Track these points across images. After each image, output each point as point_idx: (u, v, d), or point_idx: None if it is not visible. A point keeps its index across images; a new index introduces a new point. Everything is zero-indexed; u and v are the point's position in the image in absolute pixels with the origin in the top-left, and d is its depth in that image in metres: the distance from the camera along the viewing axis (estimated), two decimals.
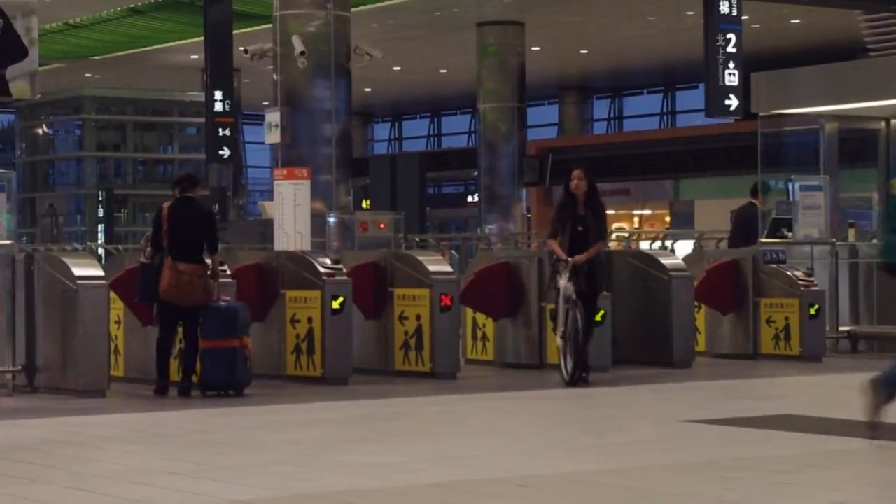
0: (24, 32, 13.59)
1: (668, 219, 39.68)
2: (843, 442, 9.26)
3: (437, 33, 35.12)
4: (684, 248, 18.69)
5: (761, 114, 18.89)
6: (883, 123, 18.84)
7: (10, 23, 13.53)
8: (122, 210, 47.29)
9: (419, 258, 14.49)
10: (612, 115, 49.02)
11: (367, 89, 43.06)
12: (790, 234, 17.59)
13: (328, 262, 13.89)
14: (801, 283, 16.00)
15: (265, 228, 22.76)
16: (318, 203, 17.82)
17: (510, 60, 33.12)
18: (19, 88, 13.78)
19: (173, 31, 34.43)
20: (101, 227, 43.92)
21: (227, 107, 23.27)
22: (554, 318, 13.44)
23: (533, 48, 34.74)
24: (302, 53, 17.85)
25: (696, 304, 15.84)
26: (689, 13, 29.99)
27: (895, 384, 8.99)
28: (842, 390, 13.24)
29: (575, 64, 41.84)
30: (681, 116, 46.61)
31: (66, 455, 9.05)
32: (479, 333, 15.69)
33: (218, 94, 23.16)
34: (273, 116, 18.27)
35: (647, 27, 34.23)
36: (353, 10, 19.06)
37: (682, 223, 37.61)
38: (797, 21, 33.03)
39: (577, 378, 13.06)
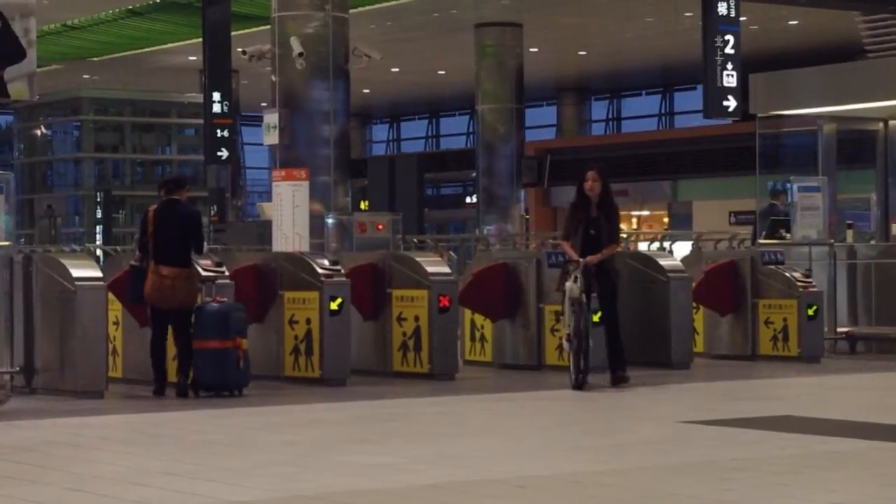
0: (22, 34, 13.58)
1: (666, 220, 39.67)
2: (841, 443, 9.26)
3: (435, 34, 35.12)
4: (683, 249, 18.68)
5: (760, 115, 18.90)
6: (881, 124, 18.85)
7: (9, 24, 13.52)
8: (121, 211, 47.27)
9: (417, 259, 14.50)
10: (610, 116, 49.02)
11: (366, 90, 43.05)
12: (788, 236, 17.60)
13: (326, 263, 13.89)
14: (799, 284, 16.01)
15: (263, 229, 22.79)
16: (316, 204, 17.82)
17: (508, 62, 33.13)
18: (17, 90, 13.77)
19: (172, 33, 34.42)
20: (99, 228, 43.90)
21: (225, 108, 23.24)
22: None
23: (531, 49, 34.74)
24: (300, 55, 17.85)
25: (694, 305, 15.84)
26: (688, 14, 30.01)
27: None
28: (840, 391, 13.27)
29: (573, 65, 41.85)
30: (679, 117, 46.61)
31: (65, 456, 9.05)
32: (478, 334, 15.70)
33: (216, 96, 23.14)
34: (271, 118, 18.27)
35: (645, 28, 34.23)
36: (351, 11, 19.06)
37: (680, 224, 37.60)
38: (795, 22, 33.04)
39: (622, 379, 13.01)
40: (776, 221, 18.33)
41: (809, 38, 34.45)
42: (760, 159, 18.98)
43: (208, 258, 13.40)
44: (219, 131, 23.26)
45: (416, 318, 14.16)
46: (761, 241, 17.92)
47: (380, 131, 57.33)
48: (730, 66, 19.19)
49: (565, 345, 13.00)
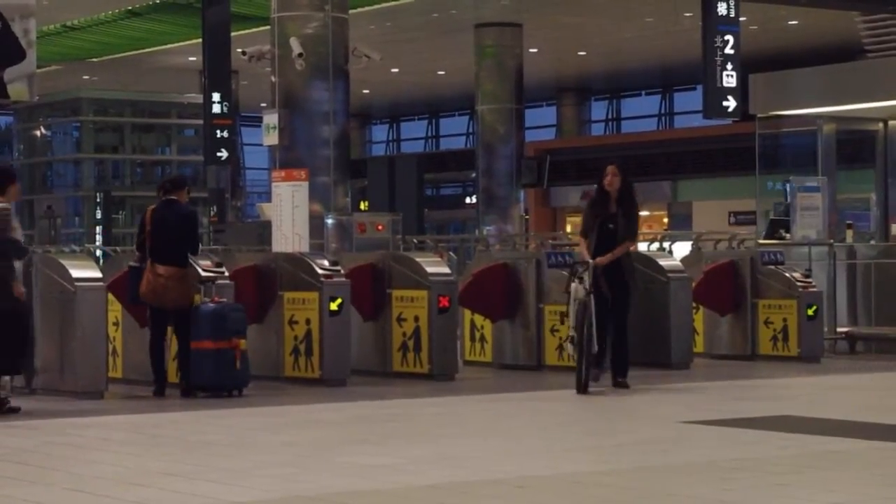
0: (22, 34, 13.61)
1: (665, 220, 39.67)
2: (841, 443, 9.26)
3: (435, 35, 35.12)
4: (682, 249, 18.68)
5: (759, 115, 18.92)
6: (881, 124, 18.87)
7: (8, 25, 13.54)
8: (120, 212, 47.26)
9: (417, 260, 14.50)
10: (610, 116, 49.02)
11: (365, 91, 43.05)
12: (788, 236, 17.61)
13: (326, 263, 13.89)
14: (799, 284, 16.01)
15: (263, 230, 22.74)
16: (316, 205, 17.82)
17: (508, 62, 33.12)
18: (17, 90, 13.80)
19: (171, 33, 34.42)
20: (98, 228, 43.91)
21: (225, 109, 23.24)
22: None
23: (531, 50, 34.74)
24: (300, 55, 17.84)
25: (694, 305, 15.85)
26: (687, 14, 30.01)
27: None
28: (840, 391, 13.27)
29: (573, 65, 41.84)
30: (679, 118, 46.61)
31: (65, 457, 9.05)
32: (478, 335, 15.70)
33: (216, 96, 23.14)
34: (271, 118, 18.26)
35: (644, 28, 34.23)
36: (351, 11, 19.05)
37: (680, 224, 37.61)
38: (795, 22, 33.04)
39: (621, 384, 12.74)
40: (776, 221, 18.35)
41: (809, 38, 34.46)
42: (760, 159, 18.99)
43: (208, 258, 13.40)
44: (218, 132, 23.26)
45: (416, 319, 14.17)
46: (760, 241, 17.93)
47: (379, 132, 57.33)
48: (729, 66, 19.19)
49: (567, 346, 12.77)
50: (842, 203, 19.38)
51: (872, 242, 18.63)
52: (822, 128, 18.60)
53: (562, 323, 13.27)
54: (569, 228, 40.00)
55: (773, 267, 16.24)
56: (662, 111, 47.09)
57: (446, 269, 14.79)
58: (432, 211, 42.23)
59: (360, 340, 14.47)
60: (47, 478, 8.13)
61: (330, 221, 17.93)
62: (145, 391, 12.83)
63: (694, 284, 15.75)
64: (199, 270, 12.93)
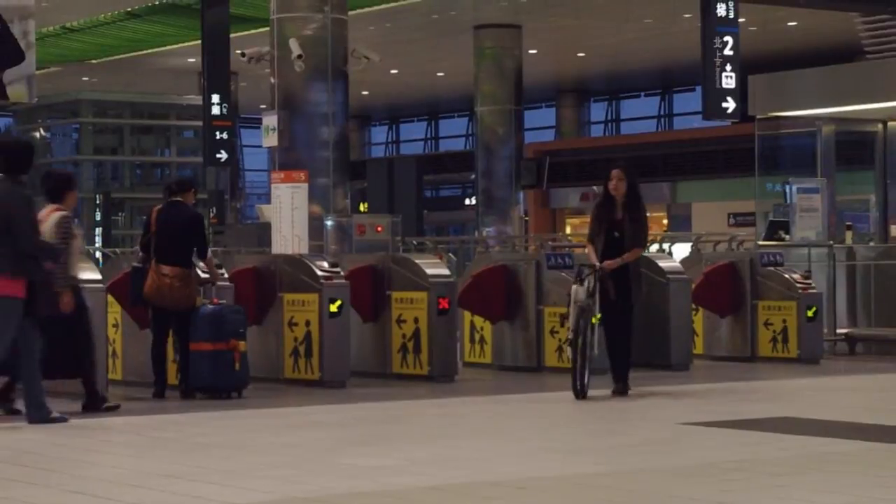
0: (21, 36, 13.61)
1: (665, 221, 39.68)
2: (841, 444, 9.26)
3: (434, 36, 35.12)
4: (682, 250, 18.69)
5: (759, 116, 18.93)
6: (880, 126, 18.88)
7: (8, 26, 13.54)
8: (120, 213, 47.26)
9: (417, 261, 14.51)
10: (609, 117, 49.03)
11: (365, 92, 43.05)
12: (788, 237, 17.61)
13: (326, 265, 13.90)
14: (798, 285, 16.02)
15: (263, 232, 22.73)
16: (315, 206, 17.80)
17: (507, 63, 33.13)
18: (16, 92, 13.80)
19: (170, 35, 34.42)
20: (98, 230, 43.91)
21: (224, 110, 23.24)
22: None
23: (530, 51, 34.74)
24: (299, 57, 17.84)
25: (693, 306, 15.86)
26: (686, 16, 30.02)
27: None
28: (839, 392, 13.27)
29: (572, 67, 41.86)
30: (678, 119, 46.62)
31: (65, 458, 9.05)
32: (477, 336, 15.70)
33: (215, 98, 23.13)
34: (270, 120, 18.26)
35: (644, 30, 34.23)
36: (350, 13, 19.05)
37: (679, 226, 37.62)
38: (794, 24, 33.04)
39: (617, 390, 12.42)
40: (775, 223, 18.35)
41: (808, 39, 34.46)
42: (759, 161, 19.00)
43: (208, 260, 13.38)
44: (218, 133, 23.26)
45: (416, 320, 14.17)
46: (760, 242, 17.93)
47: (379, 133, 57.35)
48: (729, 67, 19.18)
49: (569, 352, 12.38)
50: (841, 204, 19.39)
51: (872, 244, 18.64)
52: (822, 129, 18.61)
53: (561, 325, 13.14)
54: (568, 230, 40.03)
55: (772, 268, 16.25)
56: (662, 112, 47.11)
57: (446, 271, 14.79)
58: (432, 212, 42.25)
59: (360, 342, 14.47)
60: (47, 479, 8.13)
61: (329, 223, 17.93)
62: (145, 393, 12.82)
63: (693, 286, 15.76)
64: (199, 273, 12.93)
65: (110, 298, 13.14)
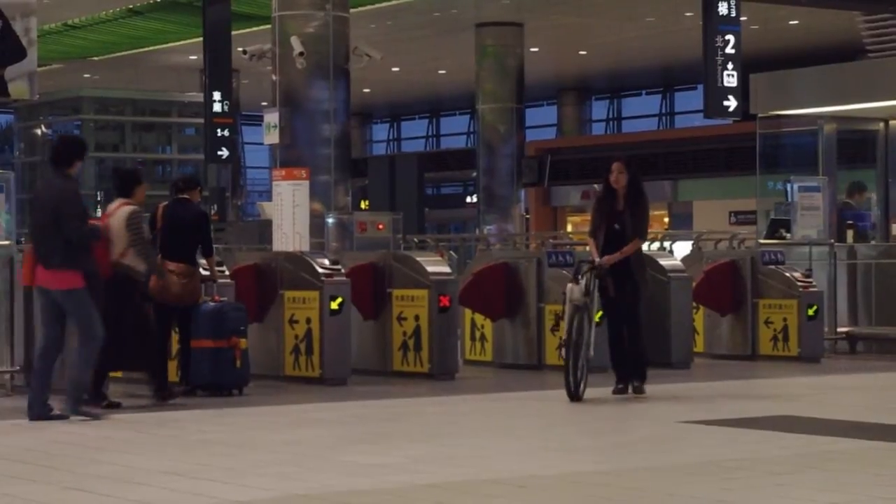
0: (22, 33, 13.61)
1: (666, 220, 39.67)
2: (841, 443, 9.27)
3: (435, 34, 35.12)
4: (683, 249, 18.69)
5: (760, 115, 18.91)
6: (882, 124, 18.86)
7: (9, 23, 13.54)
8: None
9: (418, 259, 14.50)
10: (610, 116, 49.02)
11: (366, 90, 43.05)
12: (789, 235, 17.61)
13: (327, 262, 13.89)
14: (799, 284, 16.01)
15: (264, 229, 22.76)
16: (316, 204, 17.82)
17: (509, 61, 33.13)
18: (18, 89, 13.79)
19: (172, 32, 34.42)
20: None
21: (225, 107, 23.25)
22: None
23: (531, 49, 34.74)
24: (300, 54, 17.84)
25: (694, 304, 15.85)
26: (688, 14, 30.01)
27: None
28: (840, 391, 13.27)
29: (573, 65, 41.84)
30: (679, 117, 46.61)
31: (66, 455, 9.06)
32: (478, 334, 15.70)
33: (217, 95, 23.15)
34: (272, 117, 18.26)
35: (645, 28, 34.23)
36: (351, 10, 19.04)
37: (680, 224, 37.60)
38: (796, 22, 33.03)
39: (635, 389, 12.22)
40: (776, 221, 18.34)
41: (810, 37, 34.45)
42: (761, 159, 18.98)
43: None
44: (219, 130, 23.28)
45: (417, 318, 14.17)
46: (761, 241, 17.93)
47: (380, 131, 57.33)
48: (730, 65, 19.20)
49: (562, 352, 12.14)
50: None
51: (873, 242, 18.63)
52: (823, 128, 18.59)
53: (556, 324, 12.82)
54: (569, 228, 40.01)
55: (773, 267, 16.24)
56: (663, 111, 47.09)
57: (447, 269, 14.79)
58: (433, 210, 42.24)
59: (361, 339, 14.47)
60: (48, 476, 8.13)
61: (330, 220, 17.93)
62: (146, 390, 12.81)
63: (694, 284, 15.75)
64: (200, 270, 12.93)
65: None
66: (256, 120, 39.07)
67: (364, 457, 8.77)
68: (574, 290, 11.91)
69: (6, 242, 12.98)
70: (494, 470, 8.27)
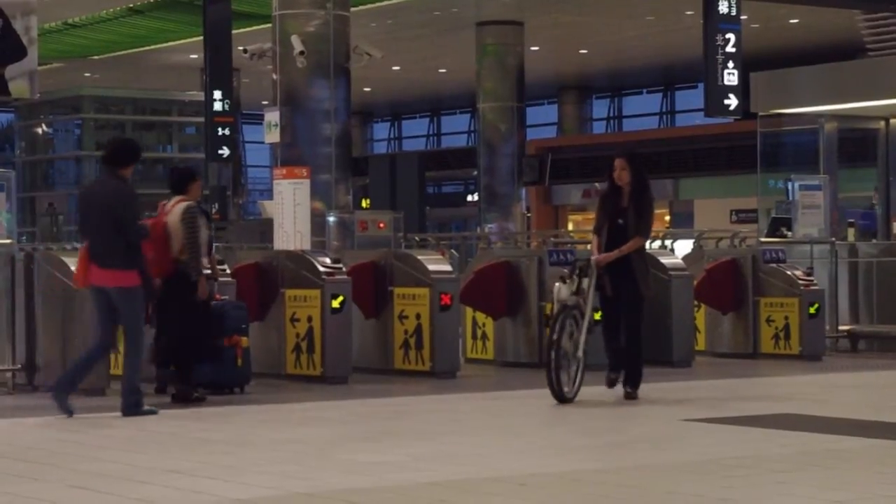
0: (23, 32, 13.61)
1: (667, 218, 39.69)
2: (843, 441, 9.26)
3: (436, 33, 35.13)
4: (684, 247, 18.69)
5: (761, 113, 18.91)
6: (882, 123, 18.87)
7: (10, 22, 13.54)
8: None
9: (419, 257, 14.50)
10: (611, 114, 49.03)
11: (367, 89, 43.06)
12: (790, 234, 17.61)
13: (328, 261, 13.89)
14: (800, 282, 16.01)
15: (265, 228, 22.76)
16: (317, 202, 17.82)
17: (509, 60, 33.13)
18: (18, 88, 13.80)
19: (173, 31, 34.43)
20: None
21: (226, 106, 23.27)
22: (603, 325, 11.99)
23: (532, 48, 34.74)
24: (301, 53, 17.84)
25: (695, 303, 15.85)
26: (689, 13, 30.02)
27: None
28: (841, 389, 13.27)
29: (574, 63, 41.85)
30: (680, 116, 46.62)
31: (67, 454, 9.05)
32: (479, 332, 15.70)
33: (217, 94, 23.17)
34: (272, 116, 18.26)
35: (646, 27, 34.23)
36: (352, 9, 19.05)
37: (681, 222, 37.63)
38: (796, 21, 33.04)
39: (626, 394, 11.90)
40: (778, 220, 18.35)
41: (810, 36, 34.46)
42: (762, 158, 18.98)
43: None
44: (220, 129, 23.30)
45: (418, 316, 14.17)
46: (762, 239, 17.93)
47: (381, 129, 57.35)
48: (731, 64, 19.21)
49: (551, 354, 11.43)
50: (843, 201, 19.38)
51: (874, 241, 18.63)
52: (824, 126, 18.60)
53: (545, 325, 12.48)
54: (570, 226, 40.03)
55: (774, 265, 16.24)
56: (664, 109, 47.11)
57: (448, 267, 14.79)
58: (434, 209, 42.26)
59: (362, 338, 14.47)
60: (49, 474, 8.13)
61: (331, 219, 17.94)
62: (147, 388, 12.81)
63: (695, 282, 15.75)
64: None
65: None
66: (257, 119, 39.03)
67: (365, 455, 8.77)
68: (561, 289, 11.59)
69: (7, 241, 12.99)
70: (495, 468, 8.27)
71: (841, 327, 17.32)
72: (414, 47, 36.06)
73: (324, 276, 13.57)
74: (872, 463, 8.41)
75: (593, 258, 11.80)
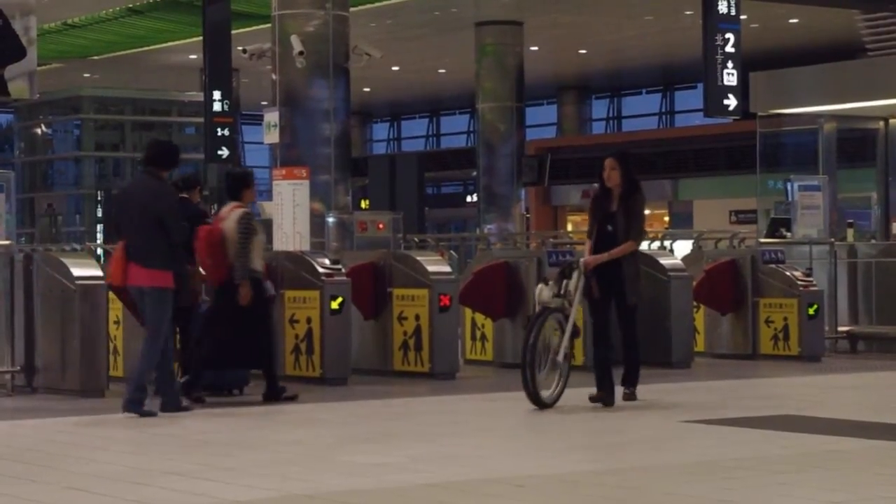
0: (22, 32, 13.60)
1: (666, 219, 39.69)
2: (842, 442, 9.26)
3: (435, 33, 35.11)
4: (683, 248, 18.68)
5: (760, 114, 18.90)
6: (882, 123, 18.86)
7: (9, 22, 13.53)
8: None
9: (418, 258, 14.50)
10: (610, 114, 49.02)
11: (366, 89, 43.05)
12: (789, 234, 17.61)
13: (327, 262, 13.89)
14: (799, 283, 16.01)
15: (264, 228, 22.69)
16: (316, 203, 17.81)
17: (509, 60, 33.11)
18: (18, 88, 13.79)
19: (172, 31, 34.42)
20: (99, 227, 43.88)
21: (225, 107, 23.23)
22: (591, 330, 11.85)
23: (531, 48, 34.73)
24: (300, 53, 17.83)
25: (695, 304, 15.85)
26: (688, 13, 30.01)
27: None
28: (841, 390, 13.27)
29: (573, 64, 41.84)
30: (679, 116, 46.61)
31: (66, 455, 9.05)
32: (478, 333, 15.70)
33: (216, 94, 23.12)
34: (272, 116, 18.25)
35: (645, 27, 34.22)
36: (351, 9, 19.03)
37: (680, 223, 37.62)
38: (796, 21, 33.03)
39: (625, 395, 11.66)
40: (777, 220, 18.35)
41: (810, 36, 34.45)
42: (761, 158, 18.98)
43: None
44: (219, 130, 23.26)
45: (417, 318, 14.16)
46: (761, 240, 17.92)
47: (380, 130, 57.33)
48: (730, 64, 19.20)
49: (526, 357, 11.09)
50: (843, 202, 19.37)
51: (873, 241, 18.63)
52: (823, 126, 18.59)
53: (525, 328, 12.06)
54: (570, 227, 40.03)
55: (773, 266, 16.24)
56: (663, 109, 47.09)
57: (447, 268, 14.78)
58: (433, 209, 42.24)
59: (361, 339, 14.47)
60: (48, 476, 8.13)
61: (331, 220, 17.92)
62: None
63: (695, 283, 15.75)
64: (200, 269, 12.91)
65: (111, 295, 13.12)
66: (256, 119, 39.03)
67: (364, 456, 8.77)
68: (543, 292, 11.29)
69: (6, 242, 12.98)
70: (494, 469, 8.27)
71: (840, 328, 17.32)
72: (413, 47, 36.05)
73: (323, 277, 13.57)
74: (872, 464, 8.40)
75: (581, 260, 11.54)
